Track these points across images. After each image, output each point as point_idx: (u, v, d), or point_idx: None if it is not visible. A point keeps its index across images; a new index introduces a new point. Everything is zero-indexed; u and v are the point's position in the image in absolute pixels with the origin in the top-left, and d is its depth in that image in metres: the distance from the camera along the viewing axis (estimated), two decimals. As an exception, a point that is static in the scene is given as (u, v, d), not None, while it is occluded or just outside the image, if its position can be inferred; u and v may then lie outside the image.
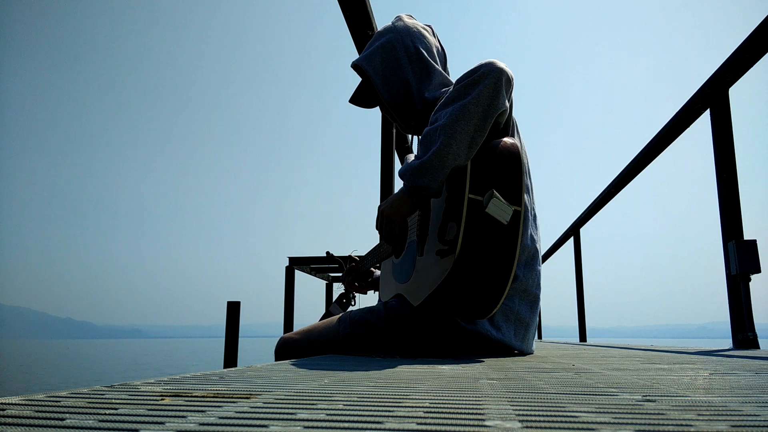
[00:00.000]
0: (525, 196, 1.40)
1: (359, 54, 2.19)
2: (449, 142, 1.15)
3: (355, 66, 1.55)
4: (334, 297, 1.85)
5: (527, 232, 1.40)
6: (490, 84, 1.15)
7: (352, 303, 1.86)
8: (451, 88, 1.22)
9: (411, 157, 1.32)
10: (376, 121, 2.92)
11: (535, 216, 1.46)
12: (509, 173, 1.23)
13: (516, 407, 0.47)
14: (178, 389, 0.58)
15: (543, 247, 1.50)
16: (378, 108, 1.69)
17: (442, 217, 1.24)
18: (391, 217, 1.30)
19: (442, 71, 1.52)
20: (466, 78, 1.19)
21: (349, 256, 1.87)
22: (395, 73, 1.48)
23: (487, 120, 1.17)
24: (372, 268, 1.84)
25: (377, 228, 1.38)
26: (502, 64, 1.19)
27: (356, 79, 1.63)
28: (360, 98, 1.66)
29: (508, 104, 1.23)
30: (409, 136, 3.19)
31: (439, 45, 1.57)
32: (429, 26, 1.58)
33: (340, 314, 1.54)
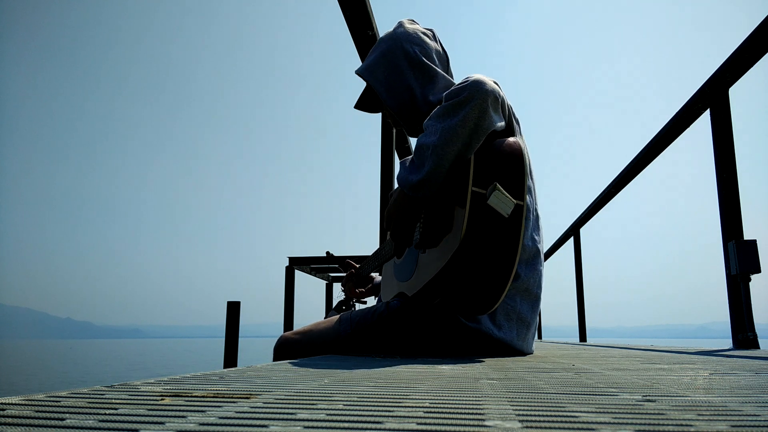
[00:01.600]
0: (527, 196, 1.40)
1: (359, 55, 2.20)
2: (439, 162, 1.20)
3: (359, 74, 1.55)
4: (334, 299, 1.85)
5: (528, 231, 1.41)
6: (476, 106, 1.17)
7: (352, 310, 1.86)
8: (443, 101, 1.22)
9: (408, 161, 1.32)
10: (376, 122, 2.92)
11: (537, 217, 1.47)
12: (512, 171, 1.24)
13: (516, 407, 0.47)
14: (178, 389, 0.58)
15: (543, 247, 1.50)
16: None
17: (446, 211, 1.24)
18: (394, 216, 1.31)
19: (445, 74, 1.51)
20: (454, 96, 1.20)
21: (348, 263, 1.87)
22: (398, 80, 1.48)
23: (474, 139, 1.19)
24: (372, 274, 1.83)
25: (386, 228, 1.39)
26: (489, 85, 1.19)
27: (356, 80, 1.62)
28: (365, 104, 1.67)
29: (500, 122, 1.24)
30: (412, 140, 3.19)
31: (440, 48, 1.56)
32: (430, 30, 1.57)
33: (341, 314, 1.54)
